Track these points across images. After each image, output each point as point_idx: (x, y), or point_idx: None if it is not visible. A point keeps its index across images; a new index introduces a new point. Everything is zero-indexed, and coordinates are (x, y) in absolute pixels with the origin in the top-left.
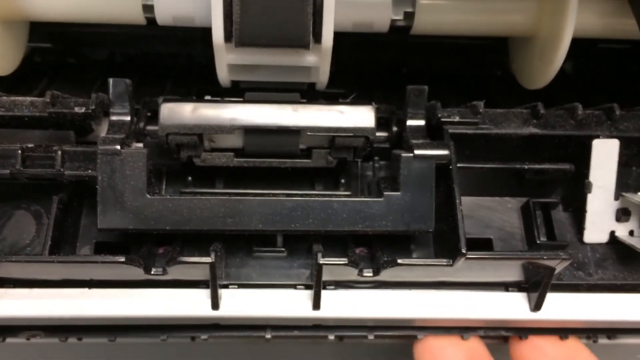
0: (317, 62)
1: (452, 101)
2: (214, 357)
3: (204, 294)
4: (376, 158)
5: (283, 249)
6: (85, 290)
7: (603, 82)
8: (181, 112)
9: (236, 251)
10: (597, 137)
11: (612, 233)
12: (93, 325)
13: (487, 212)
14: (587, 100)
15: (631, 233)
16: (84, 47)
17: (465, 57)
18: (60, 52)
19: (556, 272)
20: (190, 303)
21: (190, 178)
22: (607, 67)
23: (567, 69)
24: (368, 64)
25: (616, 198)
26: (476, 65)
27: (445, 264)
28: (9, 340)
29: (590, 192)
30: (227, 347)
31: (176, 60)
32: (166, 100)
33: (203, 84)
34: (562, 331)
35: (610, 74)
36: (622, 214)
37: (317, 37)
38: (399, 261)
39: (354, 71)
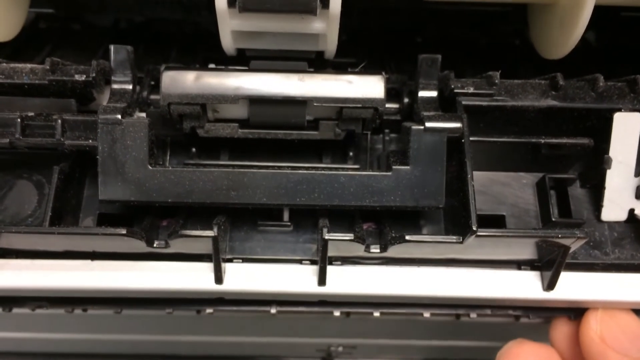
0: (325, 29)
1: (468, 71)
2: (221, 330)
3: (207, 268)
4: (386, 130)
5: (289, 223)
6: (88, 262)
7: (626, 53)
8: (183, 81)
9: (241, 224)
10: (619, 110)
11: (632, 211)
12: (99, 297)
13: (500, 188)
14: (609, 72)
15: None
16: (88, 13)
17: (482, 25)
18: (63, 18)
19: (571, 250)
20: (194, 277)
21: (194, 149)
22: (630, 37)
23: (588, 39)
24: (380, 32)
25: (637, 175)
26: (493, 34)
27: (454, 241)
28: (15, 310)
29: (609, 168)
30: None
31: (182, 28)
32: (168, 69)
33: (209, 52)
34: (576, 311)
35: (634, 44)
36: None
37: (325, 2)
38: (407, 237)
39: (365, 39)
